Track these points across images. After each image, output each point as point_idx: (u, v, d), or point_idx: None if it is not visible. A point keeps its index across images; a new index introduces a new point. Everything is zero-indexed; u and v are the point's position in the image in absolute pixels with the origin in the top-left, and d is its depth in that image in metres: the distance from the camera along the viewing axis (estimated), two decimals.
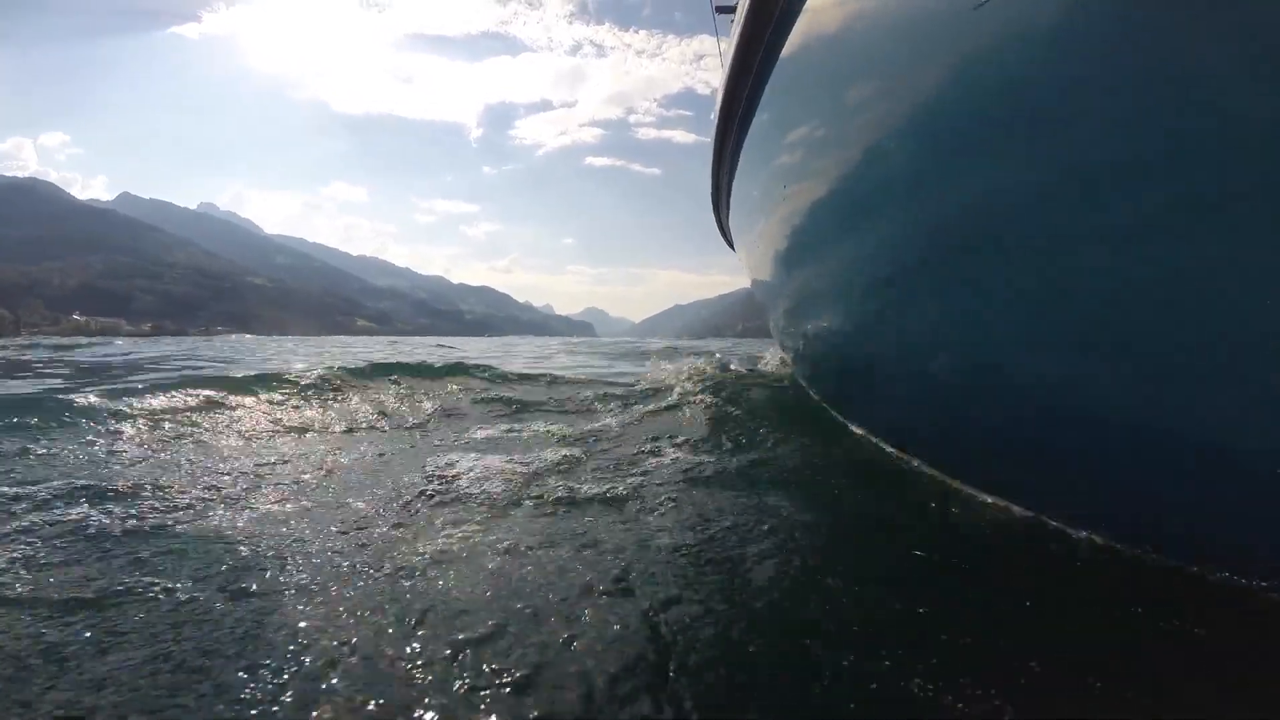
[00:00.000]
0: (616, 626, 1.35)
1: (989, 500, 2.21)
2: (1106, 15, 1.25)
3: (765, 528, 1.99)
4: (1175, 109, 1.19)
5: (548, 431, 3.70)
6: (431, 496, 2.33)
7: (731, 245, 6.05)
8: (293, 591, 1.52)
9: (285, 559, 1.72)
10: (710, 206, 6.07)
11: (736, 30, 3.13)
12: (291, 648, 1.25)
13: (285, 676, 1.16)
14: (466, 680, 1.15)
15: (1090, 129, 1.34)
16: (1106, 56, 1.28)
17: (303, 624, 1.35)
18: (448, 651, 1.24)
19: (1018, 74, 1.47)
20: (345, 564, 1.69)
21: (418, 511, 2.17)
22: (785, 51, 2.72)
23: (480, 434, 3.72)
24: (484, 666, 1.19)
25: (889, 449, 3.02)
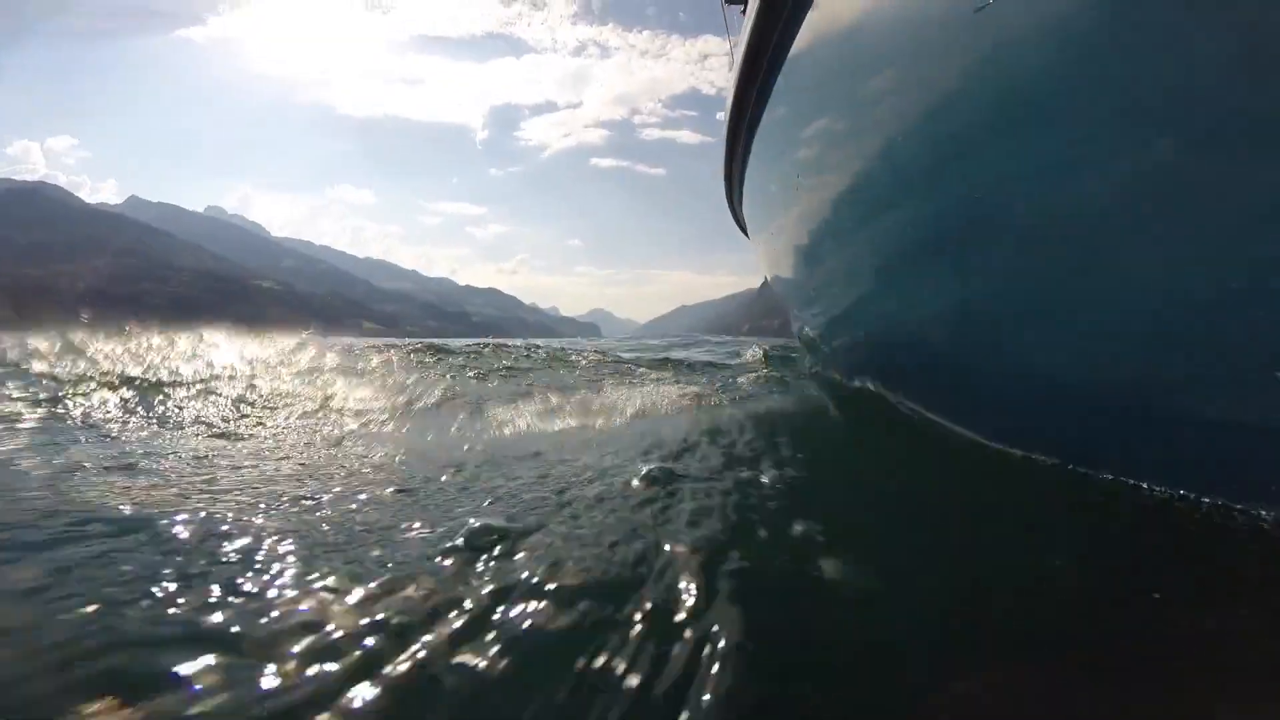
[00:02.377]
0: None
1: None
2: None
3: None
4: (1175, 106, 1.22)
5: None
6: None
7: (745, 232, 6.02)
8: None
9: None
10: (723, 199, 5.99)
11: (748, 23, 3.19)
12: None
13: None
14: None
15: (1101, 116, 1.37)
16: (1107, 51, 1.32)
17: None
18: None
19: (1021, 69, 1.53)
20: None
21: None
22: (797, 44, 2.78)
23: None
24: None
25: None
